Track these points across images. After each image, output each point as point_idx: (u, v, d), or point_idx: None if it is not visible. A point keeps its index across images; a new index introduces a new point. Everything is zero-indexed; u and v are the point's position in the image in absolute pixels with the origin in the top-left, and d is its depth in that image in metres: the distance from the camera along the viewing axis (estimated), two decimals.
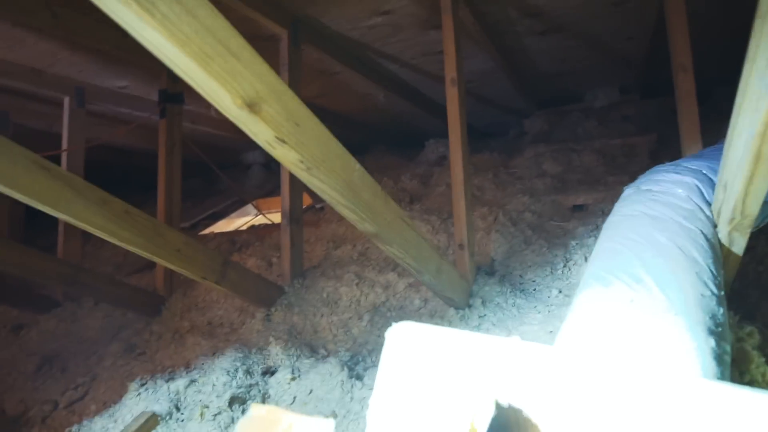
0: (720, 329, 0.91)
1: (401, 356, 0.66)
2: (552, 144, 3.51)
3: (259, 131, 0.93)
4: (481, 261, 2.18)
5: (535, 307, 1.88)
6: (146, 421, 1.64)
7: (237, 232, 3.50)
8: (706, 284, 0.99)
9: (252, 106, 0.87)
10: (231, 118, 0.90)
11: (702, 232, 1.17)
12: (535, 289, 2.03)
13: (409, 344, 0.68)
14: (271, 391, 1.75)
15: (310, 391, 1.68)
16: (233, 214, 4.27)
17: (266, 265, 2.68)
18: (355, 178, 1.19)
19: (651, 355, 0.78)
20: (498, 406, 0.58)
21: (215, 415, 1.62)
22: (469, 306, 1.88)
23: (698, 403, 0.46)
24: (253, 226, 3.71)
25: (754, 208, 1.13)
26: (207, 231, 3.74)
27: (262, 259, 2.75)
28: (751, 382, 1.06)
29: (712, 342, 0.84)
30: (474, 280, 1.96)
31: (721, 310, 0.97)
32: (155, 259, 1.70)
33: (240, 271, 2.01)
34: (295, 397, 1.74)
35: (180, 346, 2.20)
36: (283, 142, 0.95)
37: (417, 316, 1.98)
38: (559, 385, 0.53)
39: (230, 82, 0.83)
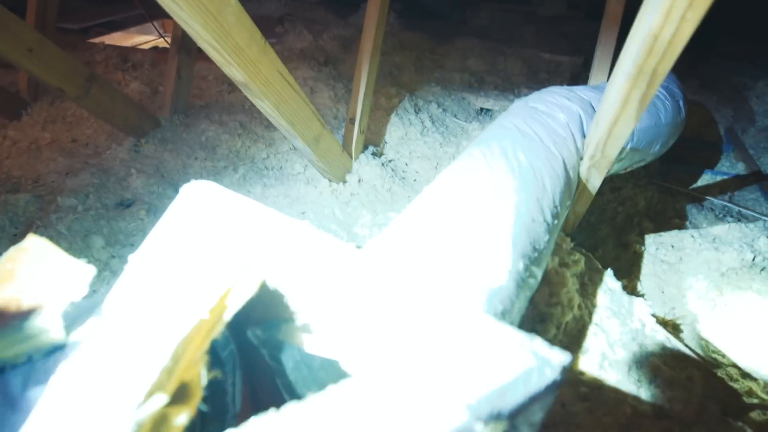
0: (536, 255, 0.95)
1: (186, 214, 0.61)
2: (485, 41, 3.40)
3: None
4: (371, 140, 2.13)
5: (409, 197, 1.90)
6: None
7: (131, 50, 3.15)
8: (542, 211, 1.02)
9: None
10: None
11: (564, 162, 1.19)
12: (415, 180, 2.05)
13: (200, 204, 0.63)
14: (120, 224, 1.68)
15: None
16: (133, 29, 3.82)
17: (150, 93, 2.46)
18: (227, 15, 1.05)
19: (454, 267, 0.80)
20: (264, 288, 0.56)
21: (50, 238, 1.54)
22: (345, 182, 1.86)
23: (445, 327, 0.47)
24: (154, 48, 3.35)
25: (613, 150, 1.15)
26: (97, 40, 3.33)
27: (147, 85, 2.51)
28: (556, 304, 1.15)
29: (520, 265, 0.88)
30: (357, 158, 1.92)
31: (546, 237, 1.00)
32: (1, 55, 1.48)
33: (108, 91, 1.82)
34: (144, 236, 1.69)
35: (34, 159, 2.02)
36: None
37: (293, 180, 1.94)
38: (339, 284, 0.51)
39: None
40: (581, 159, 1.28)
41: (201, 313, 0.48)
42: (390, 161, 2.09)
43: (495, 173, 1.02)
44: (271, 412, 0.44)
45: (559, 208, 1.09)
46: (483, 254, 0.84)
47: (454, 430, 0.39)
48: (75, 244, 1.54)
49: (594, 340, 1.14)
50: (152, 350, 0.44)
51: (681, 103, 1.77)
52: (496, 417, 0.41)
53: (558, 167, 1.16)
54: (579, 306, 1.17)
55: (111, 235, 1.62)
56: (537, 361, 0.44)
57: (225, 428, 0.64)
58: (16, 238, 1.59)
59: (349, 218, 1.75)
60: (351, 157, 1.89)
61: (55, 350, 0.58)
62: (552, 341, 1.12)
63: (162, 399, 0.41)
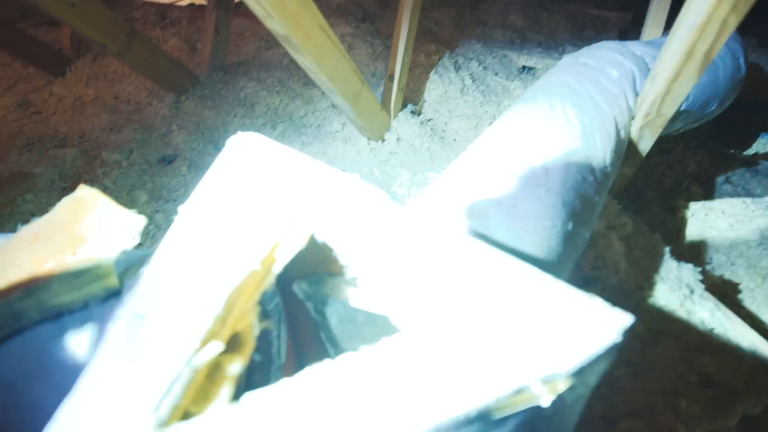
0: (585, 215, 0.92)
1: (234, 165, 0.61)
2: None
3: None
4: (410, 99, 2.09)
5: (448, 157, 1.87)
6: (23, 182, 1.58)
7: (169, 6, 3.13)
8: (592, 170, 0.98)
9: None
10: None
11: (615, 120, 1.13)
12: (454, 139, 2.01)
13: (248, 155, 0.62)
14: (163, 180, 1.71)
15: None
16: None
17: (189, 50, 2.46)
18: None
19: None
20: (312, 241, 0.55)
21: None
22: (383, 140, 1.83)
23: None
24: (191, 4, 3.33)
25: (670, 108, 1.09)
26: None
27: (186, 41, 2.50)
28: (602, 267, 1.12)
29: (569, 225, 0.85)
30: (396, 116, 1.89)
31: (596, 198, 0.97)
32: (43, 6, 1.48)
33: (149, 48, 1.82)
34: (187, 191, 1.72)
35: (79, 114, 2.06)
36: None
37: (331, 138, 1.93)
38: (387, 239, 0.50)
39: None
40: (633, 118, 1.22)
41: (252, 264, 0.48)
42: (429, 120, 2.05)
43: (543, 130, 0.98)
44: (324, 362, 0.44)
45: (609, 168, 1.05)
46: (531, 213, 0.82)
47: (513, 389, 0.38)
48: (120, 198, 1.57)
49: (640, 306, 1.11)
50: (205, 299, 0.45)
51: (741, 60, 1.66)
52: (554, 377, 0.39)
53: (609, 126, 1.11)
54: (625, 270, 1.14)
55: (154, 190, 1.65)
56: (598, 321, 0.42)
57: (270, 379, 0.65)
58: (65, 191, 1.63)
59: (387, 177, 1.74)
60: (390, 115, 1.86)
61: (110, 297, 0.59)
62: None
63: (217, 347, 0.42)
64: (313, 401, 0.39)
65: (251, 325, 0.45)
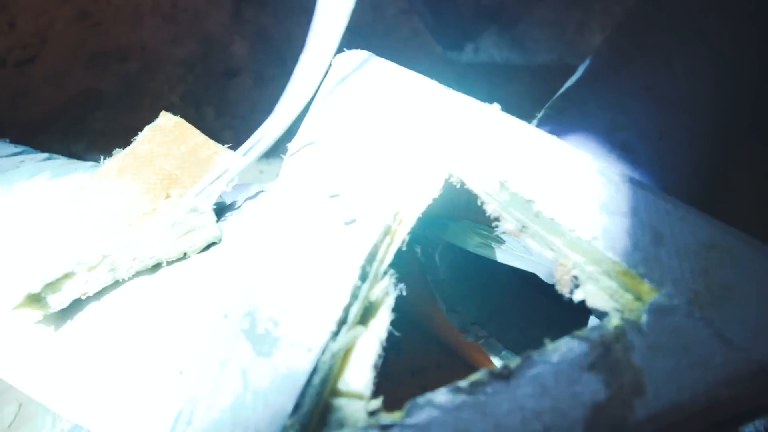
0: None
1: (346, 92, 0.52)
2: None
3: None
4: (488, 3, 1.88)
5: (529, 67, 1.70)
6: (91, 99, 1.55)
7: None
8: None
9: None
10: None
11: None
12: (535, 49, 1.82)
13: (362, 79, 0.53)
14: (230, 95, 1.64)
15: (270, 102, 1.58)
16: None
17: None
18: None
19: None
20: (447, 184, 0.47)
21: (166, 108, 1.53)
22: (461, 49, 1.68)
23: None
24: None
25: None
26: None
27: None
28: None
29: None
30: (473, 23, 1.71)
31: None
32: None
33: None
34: (254, 106, 1.65)
35: (138, 26, 1.97)
36: None
37: (402, 46, 1.78)
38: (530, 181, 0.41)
39: None
40: None
41: (385, 217, 0.40)
42: (506, 27, 1.85)
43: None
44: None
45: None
46: (678, 144, 0.70)
47: None
48: (189, 115, 1.52)
49: None
50: (337, 264, 0.38)
51: None
52: None
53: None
54: None
55: (221, 105, 1.59)
56: None
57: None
58: (134, 108, 1.60)
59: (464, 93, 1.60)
60: (464, 21, 1.68)
61: (209, 247, 0.54)
62: None
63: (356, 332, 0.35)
64: None
65: (387, 293, 0.39)
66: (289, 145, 0.49)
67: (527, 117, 1.34)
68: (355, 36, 1.93)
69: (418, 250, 0.64)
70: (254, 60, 1.74)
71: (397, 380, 0.93)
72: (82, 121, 1.54)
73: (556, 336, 0.73)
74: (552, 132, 0.70)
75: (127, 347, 0.47)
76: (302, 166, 0.46)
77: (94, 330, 0.49)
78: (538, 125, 0.74)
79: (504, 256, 0.55)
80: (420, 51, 1.72)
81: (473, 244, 0.56)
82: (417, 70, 1.77)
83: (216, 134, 1.52)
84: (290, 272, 0.37)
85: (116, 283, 0.50)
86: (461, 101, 0.49)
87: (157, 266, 0.52)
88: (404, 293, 0.41)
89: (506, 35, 1.77)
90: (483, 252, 0.59)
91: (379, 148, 0.45)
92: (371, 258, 0.38)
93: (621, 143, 0.63)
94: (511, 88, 1.57)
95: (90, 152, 1.52)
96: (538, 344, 0.76)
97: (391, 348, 0.95)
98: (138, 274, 0.51)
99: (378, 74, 0.52)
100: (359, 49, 0.61)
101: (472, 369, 0.93)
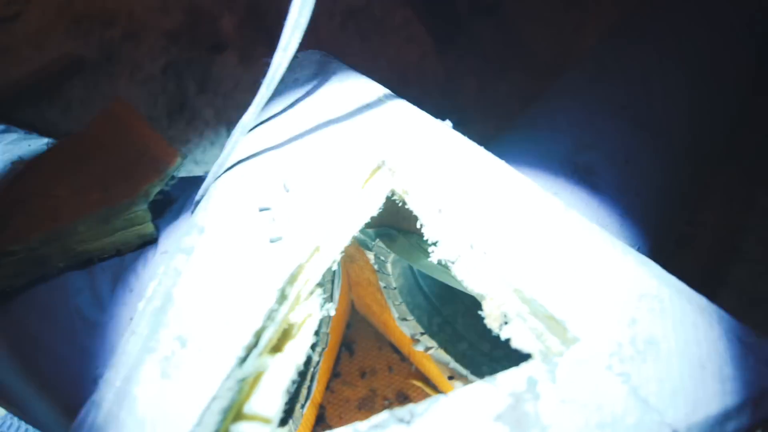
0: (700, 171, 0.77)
1: (304, 90, 0.50)
2: None
3: None
4: None
5: (520, 65, 1.67)
6: (70, 66, 1.50)
7: None
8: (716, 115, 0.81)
9: None
10: None
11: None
12: (529, 47, 1.79)
13: (318, 80, 0.51)
14: (214, 71, 1.60)
15: (255, 82, 1.55)
16: None
17: None
18: None
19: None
20: (389, 202, 0.45)
21: (146, 79, 1.49)
22: (453, 42, 1.65)
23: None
24: None
25: None
26: None
27: None
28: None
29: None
30: (468, 15, 1.68)
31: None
32: None
33: None
34: (237, 84, 1.62)
35: None
36: None
37: (393, 34, 1.75)
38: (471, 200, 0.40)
39: None
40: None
41: (319, 236, 0.38)
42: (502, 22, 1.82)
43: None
44: None
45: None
46: (646, 170, 0.68)
47: None
48: (169, 89, 1.49)
49: None
50: (261, 277, 0.36)
51: None
52: None
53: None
54: None
55: (204, 81, 1.56)
56: None
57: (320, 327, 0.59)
58: (113, 77, 1.56)
59: (453, 86, 1.58)
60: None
61: (145, 245, 0.52)
62: None
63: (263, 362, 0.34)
64: None
65: (310, 315, 0.37)
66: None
67: (510, 118, 1.32)
68: (347, 19, 1.88)
69: (371, 257, 0.62)
70: (242, 36, 1.70)
71: (348, 381, 0.92)
72: (59, 86, 1.50)
73: (504, 351, 0.73)
74: (515, 147, 0.69)
75: (39, 345, 0.46)
76: (238, 174, 0.44)
77: (16, 320, 0.47)
78: (507, 135, 0.72)
79: (448, 278, 0.53)
80: (411, 43, 1.69)
81: (421, 262, 0.55)
82: (408, 60, 1.73)
83: (197, 111, 1.50)
84: (206, 290, 0.36)
85: (44, 277, 0.48)
86: (413, 114, 0.47)
87: (89, 261, 0.50)
88: (331, 314, 0.40)
89: (501, 31, 1.74)
90: (429, 271, 0.57)
91: (318, 159, 0.44)
92: (293, 279, 0.36)
93: (584, 165, 0.61)
94: (500, 87, 1.55)
95: (64, 119, 1.48)
96: (487, 358, 0.75)
97: (345, 348, 0.93)
98: (68, 267, 0.49)
99: (329, 78, 0.50)
100: (314, 50, 0.58)
101: (421, 376, 0.93)
